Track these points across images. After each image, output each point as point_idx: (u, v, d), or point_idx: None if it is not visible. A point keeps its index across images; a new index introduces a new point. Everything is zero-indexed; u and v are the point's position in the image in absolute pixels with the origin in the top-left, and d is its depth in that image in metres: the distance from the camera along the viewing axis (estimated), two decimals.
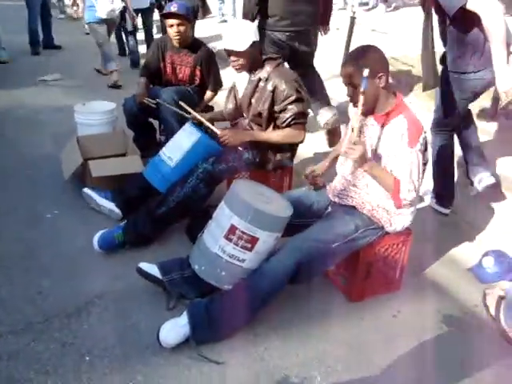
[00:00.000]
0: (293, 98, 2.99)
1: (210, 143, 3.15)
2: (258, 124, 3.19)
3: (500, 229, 3.39)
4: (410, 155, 2.28)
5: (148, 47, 7.84)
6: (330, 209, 2.69)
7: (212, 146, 3.15)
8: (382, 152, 2.40)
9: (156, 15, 8.22)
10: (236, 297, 2.35)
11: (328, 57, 7.09)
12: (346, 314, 2.60)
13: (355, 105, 2.40)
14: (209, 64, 4.01)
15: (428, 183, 3.43)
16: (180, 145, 3.18)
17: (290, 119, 3.02)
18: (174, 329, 2.30)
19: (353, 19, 6.38)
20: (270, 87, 3.02)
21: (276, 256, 2.38)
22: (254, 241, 2.32)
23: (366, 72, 2.17)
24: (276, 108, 3.04)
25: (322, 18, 4.56)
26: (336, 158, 2.78)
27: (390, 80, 2.43)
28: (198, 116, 3.29)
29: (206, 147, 3.13)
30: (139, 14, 7.61)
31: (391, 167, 2.36)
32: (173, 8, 3.75)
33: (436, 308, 2.67)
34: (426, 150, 2.37)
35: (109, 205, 3.29)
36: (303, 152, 4.18)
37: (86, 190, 3.39)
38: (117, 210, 3.28)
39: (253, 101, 3.13)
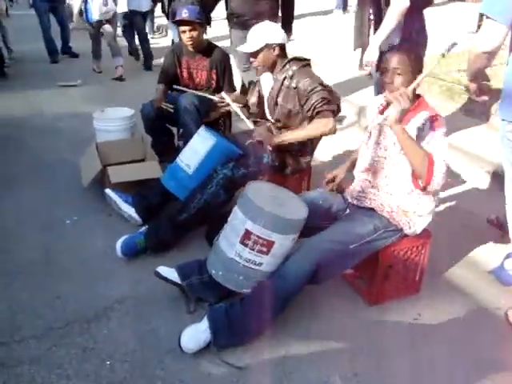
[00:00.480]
0: (317, 88, 2.99)
1: (226, 146, 3.15)
2: (281, 128, 3.19)
3: None
4: (435, 137, 2.31)
5: (142, 48, 8.01)
6: (348, 211, 2.68)
7: (229, 149, 3.15)
8: None
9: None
10: (255, 300, 2.35)
11: (346, 60, 7.10)
12: (366, 318, 2.58)
13: (387, 87, 2.40)
14: (224, 66, 4.03)
15: None
16: (197, 151, 3.18)
17: (312, 108, 2.99)
18: (195, 334, 2.30)
19: (369, 20, 6.36)
20: (294, 84, 3.05)
21: (294, 257, 2.37)
22: (269, 244, 2.31)
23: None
24: (302, 101, 3.05)
25: (284, 26, 4.71)
26: (354, 162, 2.77)
27: None
28: (235, 107, 3.36)
29: (222, 151, 3.12)
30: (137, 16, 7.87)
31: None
32: (184, 14, 3.76)
33: (457, 311, 2.64)
34: None
35: (129, 210, 3.32)
36: (321, 154, 4.17)
37: (108, 191, 3.41)
38: (137, 217, 3.30)
39: (279, 100, 3.14)
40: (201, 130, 3.27)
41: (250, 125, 3.15)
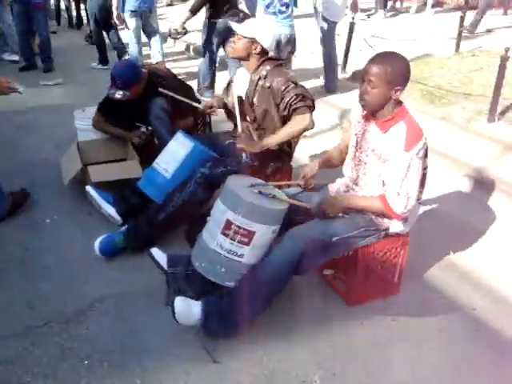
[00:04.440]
0: (289, 87, 2.99)
1: (204, 151, 3.13)
2: (258, 128, 3.20)
3: (499, 231, 3.40)
4: (404, 159, 2.29)
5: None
6: None
7: (206, 153, 3.13)
8: (385, 158, 2.41)
9: None
10: (242, 291, 2.36)
11: None
12: (345, 319, 2.60)
13: (362, 103, 2.42)
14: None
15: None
16: (174, 155, 3.14)
17: (288, 106, 3.00)
18: (188, 311, 2.33)
19: (352, 25, 6.43)
20: (267, 84, 3.06)
21: (279, 245, 2.39)
22: (250, 235, 2.32)
23: None
24: (277, 101, 3.06)
25: None
26: (328, 159, 2.82)
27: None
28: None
29: (200, 155, 3.10)
30: None
31: (384, 170, 2.38)
32: (117, 95, 3.60)
33: (434, 311, 2.67)
34: (426, 156, 2.40)
35: (110, 209, 3.30)
36: (302, 155, 4.20)
37: (89, 188, 3.37)
38: (117, 217, 3.29)
39: (254, 100, 3.15)
40: (178, 135, 3.23)
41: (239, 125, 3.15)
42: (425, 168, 2.44)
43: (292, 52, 5.47)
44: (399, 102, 2.43)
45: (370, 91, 2.33)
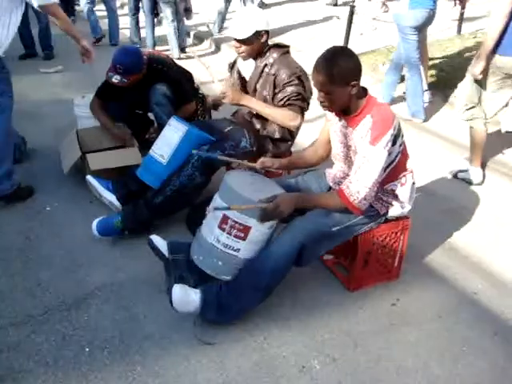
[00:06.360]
0: (293, 82, 2.98)
1: (199, 134, 3.11)
2: (258, 118, 3.18)
3: (499, 215, 3.39)
4: (370, 152, 2.26)
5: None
6: None
7: (201, 136, 3.11)
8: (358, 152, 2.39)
9: None
10: (243, 280, 2.36)
11: (328, 45, 7.08)
12: (345, 304, 2.61)
13: (326, 109, 2.40)
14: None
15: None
16: (169, 141, 3.12)
17: (285, 99, 3.00)
18: (185, 299, 2.33)
19: (352, 7, 6.37)
20: (272, 71, 3.03)
21: (279, 238, 2.39)
22: (246, 230, 2.32)
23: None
24: (276, 90, 3.04)
25: None
26: (296, 161, 2.83)
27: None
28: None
29: (195, 139, 3.08)
30: None
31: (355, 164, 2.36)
32: (114, 80, 3.52)
33: (435, 296, 2.68)
34: (394, 144, 2.32)
35: (110, 196, 3.30)
36: (302, 140, 4.18)
37: (88, 177, 3.38)
38: (117, 203, 3.28)
39: (257, 86, 3.13)
40: (172, 120, 3.20)
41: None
42: (397, 154, 2.38)
43: (188, 9, 7.20)
44: (364, 93, 2.35)
45: (326, 98, 2.29)
